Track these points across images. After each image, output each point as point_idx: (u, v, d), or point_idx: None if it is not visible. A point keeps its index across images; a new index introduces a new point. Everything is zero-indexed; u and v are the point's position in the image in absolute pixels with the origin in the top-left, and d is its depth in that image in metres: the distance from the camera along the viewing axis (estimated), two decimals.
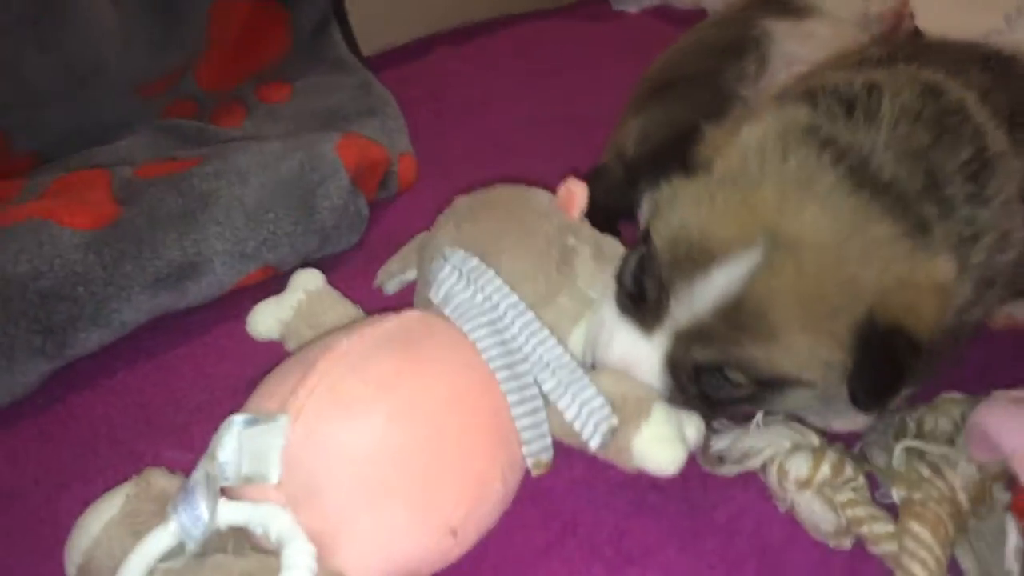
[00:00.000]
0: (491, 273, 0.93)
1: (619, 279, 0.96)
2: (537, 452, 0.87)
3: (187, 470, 0.85)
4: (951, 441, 0.91)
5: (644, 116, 1.44)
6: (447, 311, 0.93)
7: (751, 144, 0.89)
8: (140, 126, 1.58)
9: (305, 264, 1.28)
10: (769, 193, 0.85)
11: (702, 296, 0.84)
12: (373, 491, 0.78)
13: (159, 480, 0.83)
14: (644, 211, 1.11)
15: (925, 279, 0.83)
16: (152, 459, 0.97)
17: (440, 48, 2.14)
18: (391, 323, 0.90)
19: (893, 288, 0.82)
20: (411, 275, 1.13)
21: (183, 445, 1.00)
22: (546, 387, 0.89)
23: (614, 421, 0.88)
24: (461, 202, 1.06)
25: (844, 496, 0.87)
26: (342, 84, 1.74)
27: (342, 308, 1.03)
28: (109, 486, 0.93)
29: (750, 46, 1.44)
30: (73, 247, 1.10)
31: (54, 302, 1.07)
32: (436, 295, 0.94)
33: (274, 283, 1.23)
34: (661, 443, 0.89)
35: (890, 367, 0.83)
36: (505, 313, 0.91)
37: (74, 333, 1.08)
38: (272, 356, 1.11)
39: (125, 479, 0.91)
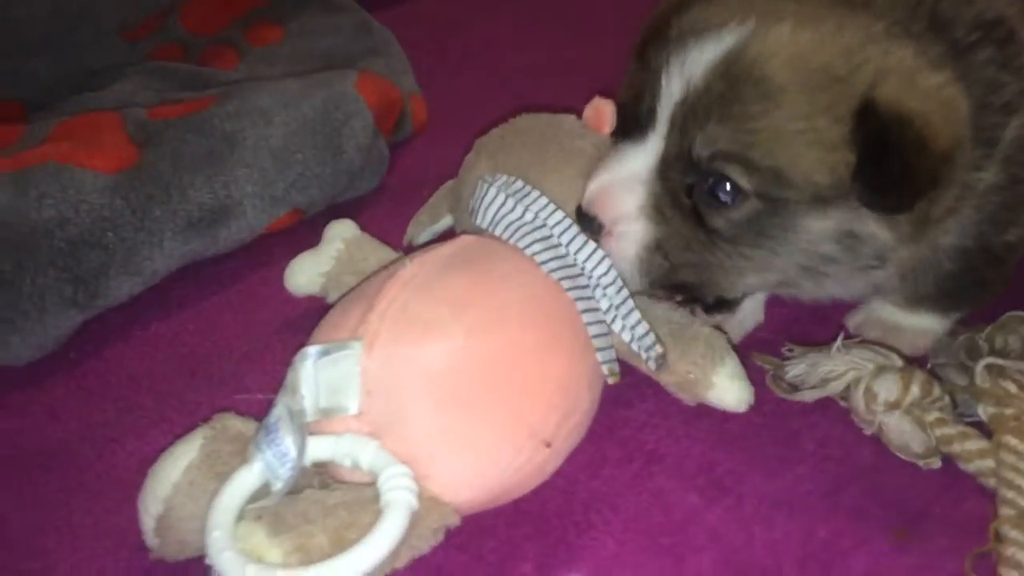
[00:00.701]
0: (537, 193, 0.91)
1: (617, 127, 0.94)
2: (608, 360, 0.87)
3: (255, 413, 0.82)
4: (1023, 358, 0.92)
5: None
6: (498, 232, 0.90)
7: None
8: (128, 70, 1.50)
9: (331, 207, 1.25)
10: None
11: (695, 61, 0.81)
12: (460, 409, 0.77)
13: (234, 423, 0.79)
14: None
15: (930, 86, 0.80)
16: (208, 409, 0.92)
17: None
18: (451, 247, 0.88)
19: (894, 74, 0.79)
20: (443, 224, 1.10)
21: (238, 393, 0.95)
22: (601, 306, 0.87)
23: (659, 349, 0.88)
24: (489, 137, 1.03)
25: (932, 416, 0.86)
26: (339, 25, 1.67)
27: (383, 253, 1.01)
28: (166, 439, 0.89)
29: None
30: (98, 191, 1.04)
31: (84, 250, 1.01)
32: (483, 219, 0.91)
33: (301, 228, 1.19)
34: (738, 381, 0.89)
35: (896, 160, 0.78)
36: (555, 230, 0.89)
37: (106, 282, 1.02)
38: (311, 301, 1.08)
39: (183, 431, 0.86)
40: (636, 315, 0.87)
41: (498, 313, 0.81)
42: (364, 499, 0.72)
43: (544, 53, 1.77)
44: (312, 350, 0.76)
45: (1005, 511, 0.77)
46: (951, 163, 0.80)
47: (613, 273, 0.87)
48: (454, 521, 0.76)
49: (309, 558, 0.67)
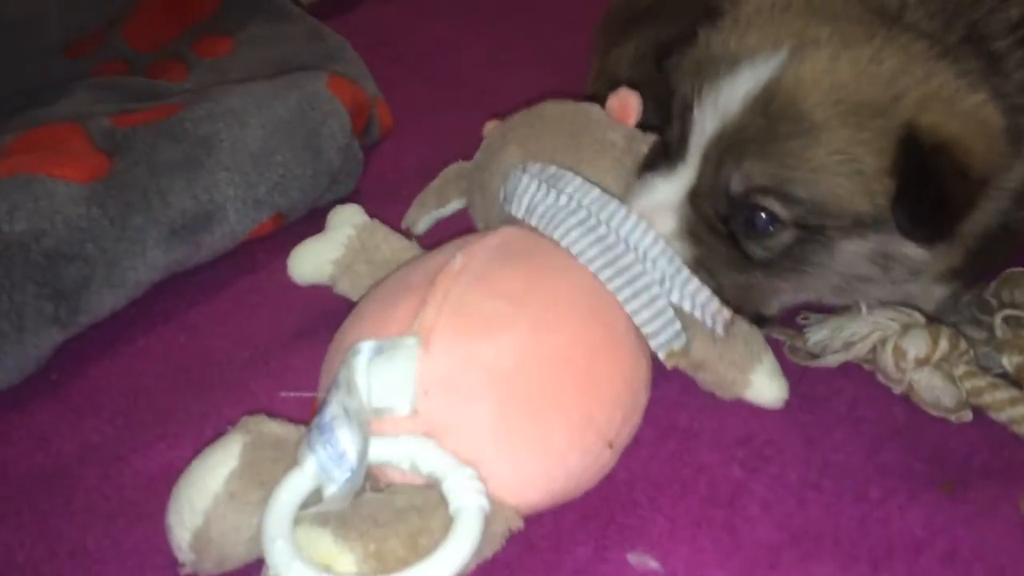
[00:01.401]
0: (571, 175, 0.87)
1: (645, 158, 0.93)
2: (667, 341, 0.82)
3: (286, 416, 0.77)
4: None
5: (634, 40, 1.40)
6: (533, 222, 0.86)
7: None
8: (74, 86, 1.42)
9: (310, 213, 1.20)
10: (796, 18, 0.84)
11: (729, 95, 0.81)
12: (527, 408, 0.72)
13: (271, 427, 0.74)
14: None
15: (968, 108, 0.80)
16: (216, 418, 0.87)
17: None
18: (496, 238, 0.83)
19: (934, 100, 0.79)
20: (450, 209, 1.07)
21: (245, 402, 0.89)
22: (654, 279, 0.84)
23: (727, 313, 0.84)
24: (515, 123, 0.99)
25: (961, 369, 0.86)
26: (289, 33, 1.62)
27: (395, 241, 0.96)
28: (175, 453, 0.85)
29: None
30: (72, 201, 0.97)
31: (63, 263, 0.94)
32: (518, 208, 0.87)
33: (282, 234, 1.14)
34: (777, 378, 0.87)
35: (935, 189, 0.78)
36: (593, 208, 0.85)
37: (87, 296, 0.96)
38: (307, 305, 1.03)
39: (194, 444, 0.82)
40: (695, 282, 0.84)
41: (560, 307, 0.78)
42: (433, 503, 0.68)
43: (499, 48, 1.76)
44: (366, 346, 0.71)
45: None
46: (988, 185, 0.82)
47: (661, 243, 0.84)
48: (519, 524, 0.72)
49: (383, 566, 0.63)
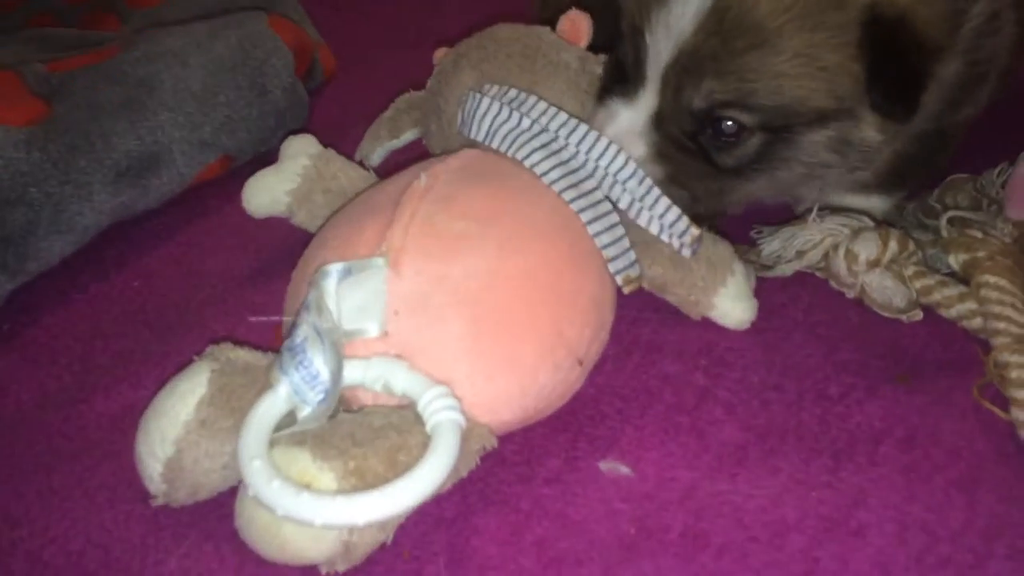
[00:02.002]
0: (534, 98, 0.87)
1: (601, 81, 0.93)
2: (624, 268, 0.83)
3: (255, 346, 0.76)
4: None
5: None
6: (495, 144, 0.85)
7: None
8: (4, 39, 1.37)
9: (258, 156, 1.18)
10: None
11: (680, 15, 0.80)
12: (498, 327, 0.72)
13: (239, 354, 0.73)
14: None
15: None
16: (178, 356, 0.86)
17: None
18: (458, 160, 0.82)
19: None
20: (404, 140, 1.06)
21: (205, 339, 0.88)
22: (621, 204, 0.84)
23: (695, 231, 0.85)
24: (468, 46, 0.98)
25: (911, 270, 0.89)
26: None
27: (352, 170, 0.95)
28: (138, 393, 0.84)
29: None
30: (12, 145, 0.94)
31: (6, 208, 0.92)
32: (478, 131, 0.87)
33: (232, 179, 1.12)
34: (741, 301, 0.88)
35: (902, 64, 0.80)
36: (558, 133, 0.85)
37: (35, 242, 0.94)
38: (262, 246, 1.02)
39: (157, 382, 0.80)
40: (664, 202, 0.84)
41: (527, 227, 0.77)
42: (409, 421, 0.68)
43: None
44: (334, 268, 0.70)
45: (1000, 340, 0.80)
46: (942, 56, 0.83)
47: (632, 165, 0.84)
48: (493, 443, 0.72)
49: (364, 483, 0.63)
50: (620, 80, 0.89)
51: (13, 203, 0.92)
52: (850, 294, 0.91)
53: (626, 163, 0.84)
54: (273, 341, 0.83)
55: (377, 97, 1.22)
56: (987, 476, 0.72)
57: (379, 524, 0.65)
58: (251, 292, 0.95)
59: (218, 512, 0.70)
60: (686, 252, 0.85)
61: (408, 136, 1.04)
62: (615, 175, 0.84)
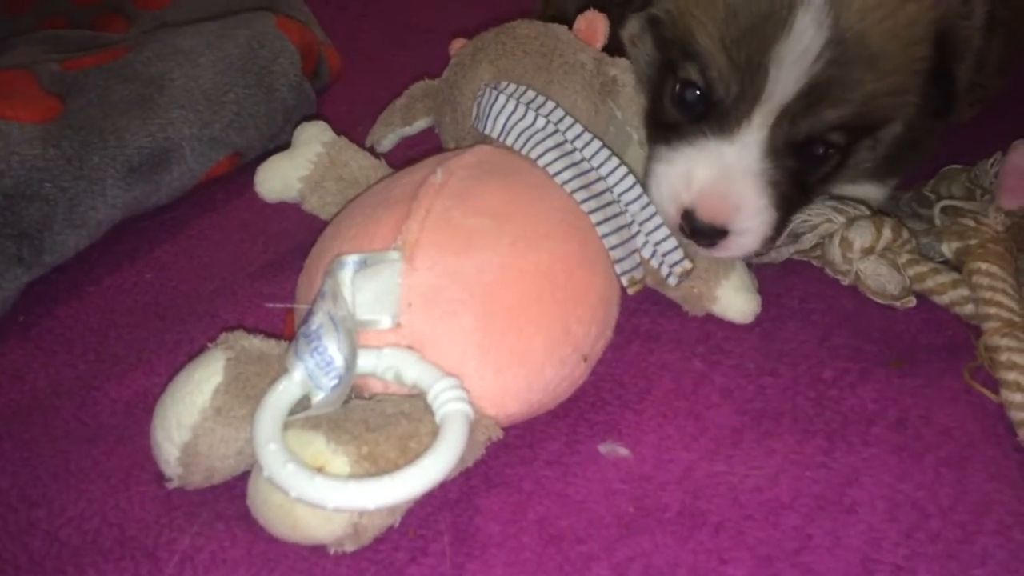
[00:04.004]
0: (552, 103, 0.88)
1: (655, 116, 0.91)
2: (629, 270, 0.85)
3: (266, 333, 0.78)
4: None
5: None
6: (509, 141, 0.87)
7: None
8: (15, 40, 1.40)
9: (266, 153, 1.20)
10: None
11: (805, 45, 0.77)
12: (509, 322, 0.74)
13: (254, 342, 0.74)
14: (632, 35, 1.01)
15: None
16: (190, 344, 0.88)
17: None
18: (473, 156, 0.84)
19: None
20: (416, 128, 1.07)
21: (216, 329, 0.90)
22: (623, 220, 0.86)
23: (687, 264, 0.87)
24: (485, 41, 0.98)
25: (905, 257, 0.91)
26: None
27: (363, 159, 0.96)
28: (151, 380, 0.86)
29: None
30: (27, 142, 0.97)
31: (23, 203, 0.94)
32: (492, 128, 0.88)
33: (240, 175, 1.15)
34: (744, 292, 0.90)
35: (955, 69, 0.85)
36: (576, 143, 0.86)
37: (51, 236, 0.96)
38: (270, 239, 1.05)
39: (170, 369, 0.83)
40: (664, 231, 0.85)
41: (539, 224, 0.79)
42: (421, 409, 0.70)
43: None
44: (350, 259, 0.72)
45: (990, 324, 0.82)
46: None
47: (638, 189, 0.85)
48: (499, 434, 0.74)
49: (377, 468, 0.65)
50: (700, 117, 0.86)
51: (29, 198, 0.94)
52: (845, 281, 0.93)
53: (633, 185, 0.86)
54: (281, 329, 0.85)
55: (382, 96, 1.24)
56: (977, 455, 0.74)
57: (388, 509, 0.67)
58: (260, 283, 0.98)
59: (230, 492, 0.72)
60: (672, 281, 0.87)
61: (420, 124, 1.05)
62: (621, 195, 0.86)
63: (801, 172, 0.86)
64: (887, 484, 0.72)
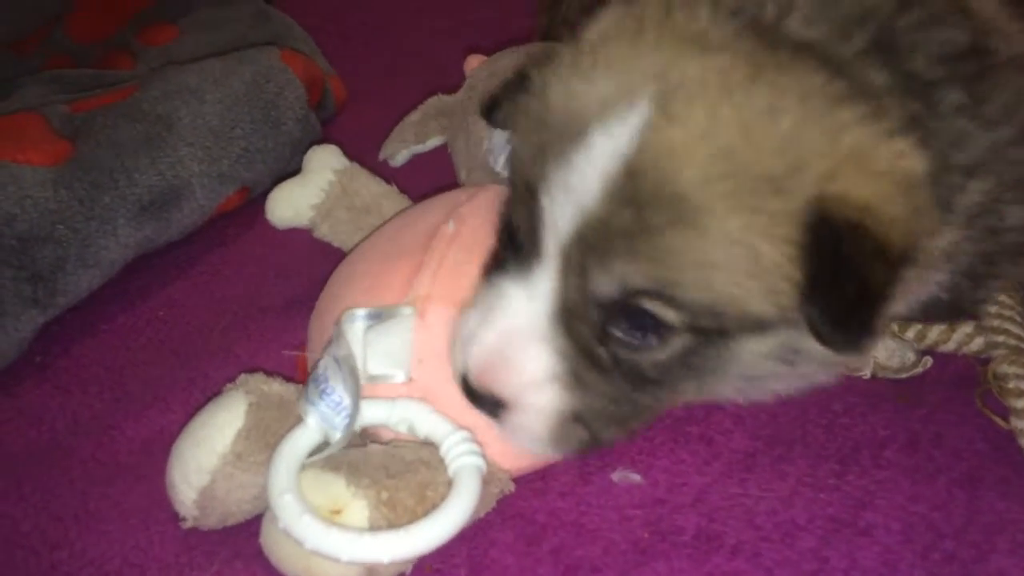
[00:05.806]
0: None
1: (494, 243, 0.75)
2: None
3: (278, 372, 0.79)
4: None
5: None
6: None
7: (623, 10, 0.70)
8: (22, 81, 1.42)
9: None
10: (653, 48, 0.64)
11: (583, 175, 0.61)
12: None
13: (273, 387, 0.75)
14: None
15: (887, 161, 0.62)
16: (204, 382, 0.89)
17: None
18: (484, 199, 0.83)
19: (844, 165, 0.61)
20: (429, 146, 1.08)
21: (230, 365, 0.91)
22: None
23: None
24: (502, 64, 0.99)
25: (895, 325, 0.86)
26: (235, 15, 1.62)
27: (375, 185, 0.97)
28: (167, 419, 0.87)
29: None
30: (39, 185, 0.98)
31: (36, 245, 0.96)
32: (505, 167, 0.89)
33: (249, 209, 1.16)
34: None
35: (853, 279, 0.60)
36: None
37: (63, 277, 0.97)
38: (280, 274, 1.06)
39: (186, 408, 0.84)
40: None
41: None
42: (438, 457, 0.70)
43: (447, 19, 1.77)
44: (361, 312, 0.73)
45: (999, 352, 0.82)
46: (908, 264, 0.63)
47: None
48: (511, 488, 0.75)
49: (395, 514, 0.65)
50: (512, 248, 0.70)
51: (42, 240, 0.96)
52: (866, 374, 0.86)
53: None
54: (299, 371, 0.86)
55: (388, 123, 1.26)
56: (988, 475, 0.74)
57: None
58: (273, 317, 0.99)
59: (248, 530, 0.73)
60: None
61: (434, 142, 1.07)
62: None
63: (618, 350, 0.67)
64: (900, 505, 0.73)
